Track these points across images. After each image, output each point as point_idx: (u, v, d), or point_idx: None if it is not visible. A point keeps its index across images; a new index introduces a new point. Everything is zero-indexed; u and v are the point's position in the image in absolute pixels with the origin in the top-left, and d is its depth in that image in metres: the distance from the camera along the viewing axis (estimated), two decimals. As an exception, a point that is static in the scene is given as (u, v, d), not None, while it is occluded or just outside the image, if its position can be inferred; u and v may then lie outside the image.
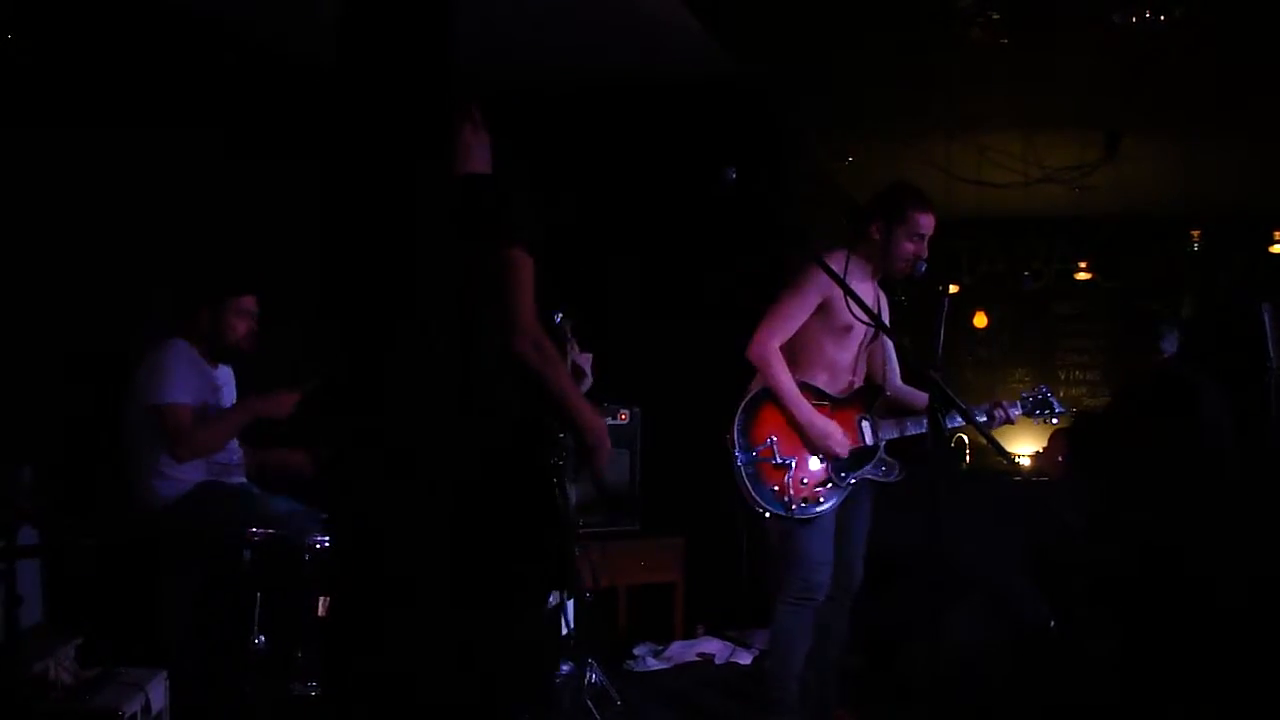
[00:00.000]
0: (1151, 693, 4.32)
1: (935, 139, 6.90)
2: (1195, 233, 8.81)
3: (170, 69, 4.63)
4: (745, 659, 5.39)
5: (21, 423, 3.86)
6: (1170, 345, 4.95)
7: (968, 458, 7.73)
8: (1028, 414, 4.10)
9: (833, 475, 3.81)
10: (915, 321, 4.11)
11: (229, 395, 4.16)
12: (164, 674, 3.32)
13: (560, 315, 3.28)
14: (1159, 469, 4.80)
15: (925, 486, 3.10)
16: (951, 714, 4.17)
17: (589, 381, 3.27)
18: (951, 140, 6.87)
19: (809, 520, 3.78)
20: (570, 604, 4.59)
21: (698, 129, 5.95)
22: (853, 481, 3.84)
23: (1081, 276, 9.31)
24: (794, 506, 3.74)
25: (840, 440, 3.83)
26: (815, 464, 3.82)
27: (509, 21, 5.04)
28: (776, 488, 3.75)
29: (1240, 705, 4.09)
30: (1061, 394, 9.58)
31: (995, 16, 5.04)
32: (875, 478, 3.90)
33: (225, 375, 4.17)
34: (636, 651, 5.43)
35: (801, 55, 5.76)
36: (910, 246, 3.86)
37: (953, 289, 8.93)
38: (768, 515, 3.76)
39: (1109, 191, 7.58)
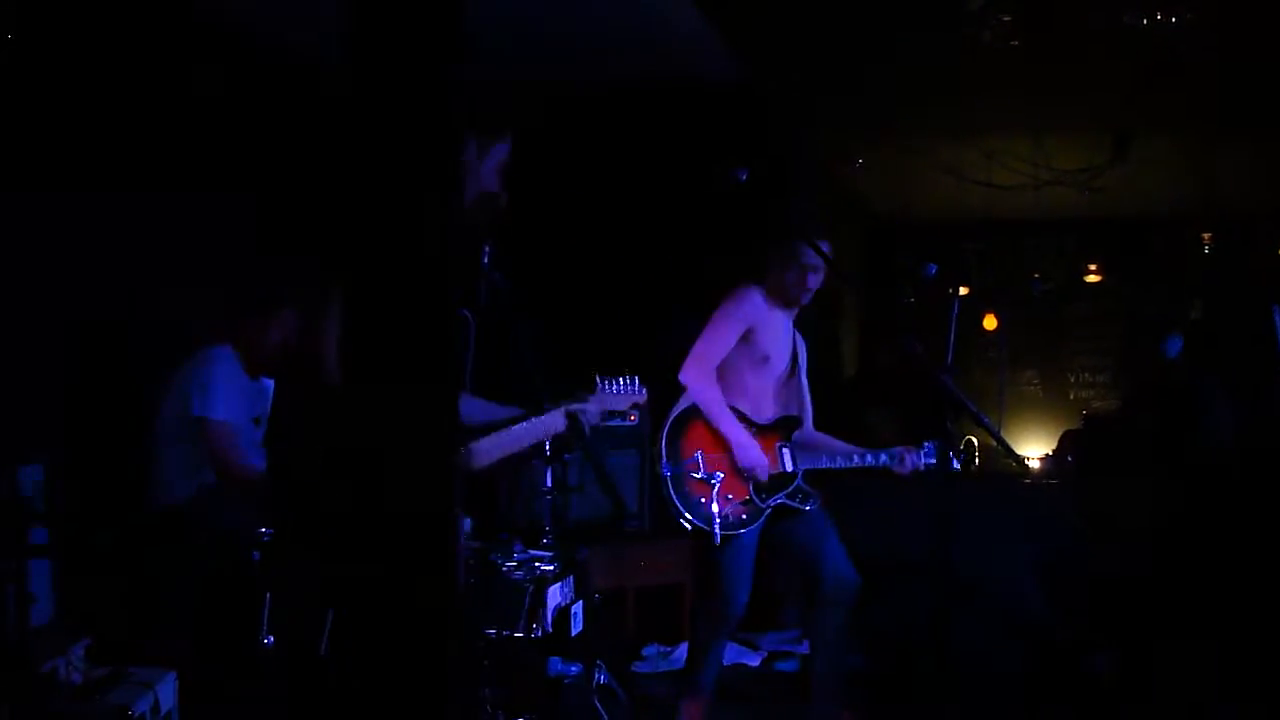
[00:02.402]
0: (1157, 695, 4.31)
1: (945, 141, 6.89)
2: (1206, 235, 8.79)
3: (207, 75, 4.68)
4: (753, 660, 5.39)
5: (32, 421, 3.88)
6: (1174, 349, 4.95)
7: (976, 460, 7.70)
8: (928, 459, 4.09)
9: (753, 496, 3.89)
10: (925, 324, 4.12)
11: (266, 405, 4.18)
12: (173, 674, 3.33)
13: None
14: (1161, 470, 4.80)
15: (933, 488, 3.10)
16: (958, 716, 4.17)
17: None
18: (961, 143, 6.86)
19: (730, 543, 3.86)
20: (579, 605, 4.59)
21: (706, 131, 5.95)
22: (772, 504, 3.94)
23: (1091, 279, 9.29)
24: (716, 522, 3.80)
25: (764, 467, 3.92)
26: (737, 483, 3.91)
27: (517, 23, 5.05)
28: (701, 501, 3.83)
29: (1245, 707, 4.09)
30: (1071, 396, 9.65)
31: (1005, 19, 5.04)
32: (792, 505, 3.96)
33: (265, 386, 4.19)
34: (645, 652, 5.43)
35: (811, 58, 5.75)
36: (812, 278, 3.97)
37: (963, 291, 8.92)
38: (690, 529, 3.82)
39: (1119, 194, 7.56)
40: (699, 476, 3.84)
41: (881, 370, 8.55)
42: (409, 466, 2.30)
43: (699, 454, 3.88)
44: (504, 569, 3.57)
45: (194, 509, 3.84)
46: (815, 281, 4.00)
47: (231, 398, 3.94)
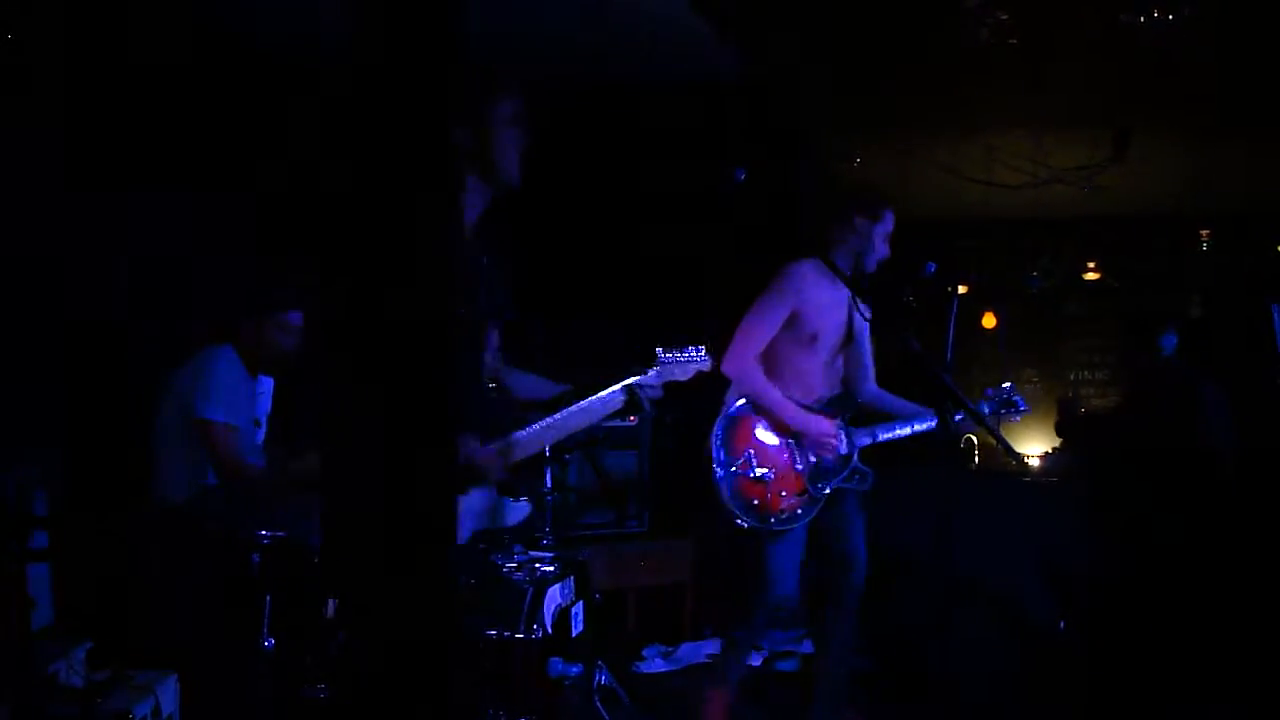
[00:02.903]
0: (1158, 693, 4.31)
1: (943, 139, 6.89)
2: (1204, 232, 8.79)
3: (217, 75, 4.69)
4: (754, 660, 5.38)
5: (31, 423, 3.87)
6: (1169, 346, 4.95)
7: (976, 458, 7.71)
8: (992, 413, 4.10)
9: (808, 486, 3.83)
10: (924, 322, 4.11)
11: (265, 405, 4.17)
12: (174, 677, 3.32)
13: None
14: (1158, 467, 4.80)
15: (934, 487, 3.10)
16: (961, 714, 4.17)
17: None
18: (959, 141, 6.86)
19: (779, 535, 3.81)
20: (579, 606, 4.59)
21: (704, 130, 5.94)
22: (827, 492, 3.87)
23: (1090, 276, 9.29)
24: (771, 519, 3.77)
25: (832, 431, 3.84)
26: (791, 476, 3.84)
27: (513, 20, 5.04)
28: (756, 501, 3.78)
29: (1245, 704, 4.09)
30: (1070, 394, 9.63)
31: (1003, 16, 5.03)
32: (849, 487, 3.91)
33: (265, 385, 4.18)
34: (645, 653, 5.43)
35: (808, 56, 5.75)
36: (884, 247, 3.90)
37: (961, 289, 8.91)
38: (746, 527, 3.77)
39: (1118, 191, 7.55)
40: (752, 476, 3.79)
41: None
42: (408, 467, 2.30)
43: (750, 452, 3.81)
44: (504, 570, 3.57)
45: (194, 510, 3.83)
46: (886, 249, 3.93)
47: (234, 400, 3.93)
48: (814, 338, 3.90)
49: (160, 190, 4.51)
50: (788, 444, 3.86)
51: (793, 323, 3.87)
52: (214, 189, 4.77)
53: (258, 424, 4.17)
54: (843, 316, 4.00)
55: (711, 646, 5.56)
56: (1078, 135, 6.75)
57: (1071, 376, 9.87)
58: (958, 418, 3.88)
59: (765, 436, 3.85)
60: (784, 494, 3.81)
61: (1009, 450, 3.49)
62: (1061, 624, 4.97)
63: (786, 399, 3.83)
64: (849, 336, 4.04)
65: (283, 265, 4.71)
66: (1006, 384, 4.20)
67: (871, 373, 4.14)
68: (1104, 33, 5.13)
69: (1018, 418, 4.18)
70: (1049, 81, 5.86)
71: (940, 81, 5.95)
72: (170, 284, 4.50)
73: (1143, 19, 4.89)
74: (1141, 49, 5.25)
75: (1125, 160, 6.90)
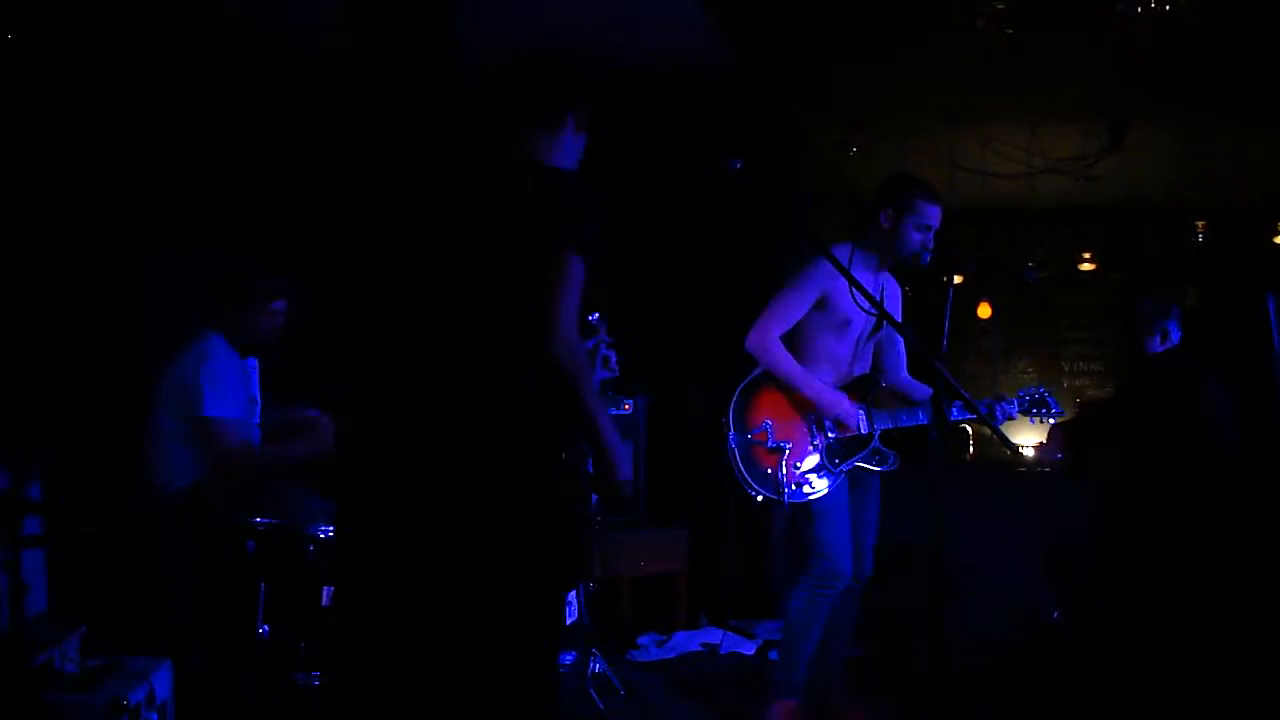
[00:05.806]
0: (1157, 684, 4.32)
1: (939, 129, 6.89)
2: (1200, 223, 8.80)
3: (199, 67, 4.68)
4: (748, 649, 5.40)
5: (26, 410, 3.87)
6: (1160, 339, 4.95)
7: (972, 448, 7.72)
8: (1024, 412, 4.09)
9: (825, 461, 3.83)
10: (920, 312, 4.11)
11: (255, 384, 4.19)
12: (168, 663, 3.32)
13: (596, 316, 3.38)
14: (1158, 461, 4.80)
15: (929, 477, 3.09)
16: (954, 705, 4.17)
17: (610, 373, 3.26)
18: (956, 131, 6.86)
19: (817, 506, 3.80)
20: (575, 594, 4.60)
21: (701, 121, 5.93)
22: (845, 469, 3.85)
23: (1085, 267, 9.30)
24: (785, 490, 3.75)
25: (850, 409, 3.84)
26: (809, 450, 3.84)
27: (511, 11, 5.03)
28: (769, 471, 3.77)
29: (1243, 696, 4.10)
30: (1065, 385, 9.67)
31: (1000, 6, 5.02)
32: (869, 466, 3.90)
33: (252, 365, 4.19)
34: (640, 641, 5.44)
35: (805, 45, 5.74)
36: (917, 237, 3.87)
37: (957, 279, 8.92)
38: (760, 499, 3.78)
39: (1113, 182, 7.56)
40: (769, 446, 3.77)
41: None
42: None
43: (768, 423, 3.79)
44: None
45: (191, 498, 3.83)
46: (927, 242, 3.87)
47: (233, 389, 3.94)
48: (846, 322, 3.89)
49: (154, 179, 4.51)
50: (806, 417, 3.86)
51: (824, 306, 3.85)
52: (207, 182, 4.76)
53: (254, 401, 4.18)
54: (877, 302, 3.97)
55: (705, 635, 5.57)
56: (1074, 125, 6.75)
57: (1066, 367, 9.89)
58: (955, 408, 3.88)
59: (783, 408, 3.84)
60: (798, 466, 3.80)
61: (1003, 440, 3.50)
62: (1055, 614, 4.99)
63: (809, 375, 3.82)
64: (879, 323, 4.02)
65: (270, 254, 4.72)
66: (1040, 386, 4.18)
67: (904, 360, 4.13)
68: (1101, 23, 5.13)
69: (1051, 419, 4.16)
70: (1045, 71, 5.87)
71: (936, 71, 5.95)
72: (163, 273, 4.49)
73: (1139, 9, 4.89)
74: (1138, 39, 5.25)
75: (1121, 151, 6.91)
